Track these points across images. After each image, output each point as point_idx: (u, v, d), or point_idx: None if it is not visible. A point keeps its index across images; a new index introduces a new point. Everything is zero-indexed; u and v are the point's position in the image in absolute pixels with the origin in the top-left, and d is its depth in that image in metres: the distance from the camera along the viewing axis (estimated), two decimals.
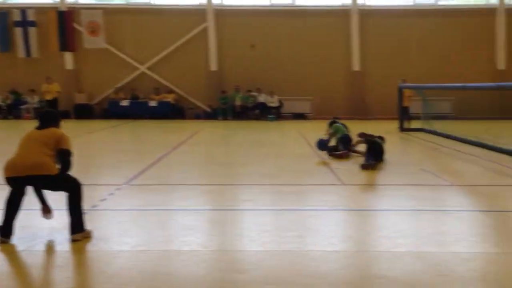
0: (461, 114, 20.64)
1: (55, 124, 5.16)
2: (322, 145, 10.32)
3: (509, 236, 5.25)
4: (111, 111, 21.27)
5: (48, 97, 19.55)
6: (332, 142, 10.53)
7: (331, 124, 11.22)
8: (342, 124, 11.21)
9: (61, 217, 5.12)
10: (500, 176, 8.68)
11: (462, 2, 23.31)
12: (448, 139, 13.52)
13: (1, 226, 4.87)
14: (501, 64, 21.87)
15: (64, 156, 4.93)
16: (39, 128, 5.08)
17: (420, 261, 4.31)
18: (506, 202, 6.59)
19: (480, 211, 6.20)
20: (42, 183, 4.95)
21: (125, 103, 21.42)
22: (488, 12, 22.02)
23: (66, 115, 19.77)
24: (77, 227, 4.88)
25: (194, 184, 7.76)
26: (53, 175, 4.87)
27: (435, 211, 6.19)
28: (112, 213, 5.85)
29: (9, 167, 4.88)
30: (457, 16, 22.05)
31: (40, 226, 5.27)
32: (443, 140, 13.57)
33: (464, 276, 4.02)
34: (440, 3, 22.52)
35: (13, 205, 4.87)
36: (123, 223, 5.48)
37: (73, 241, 4.81)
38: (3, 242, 4.78)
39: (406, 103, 16.96)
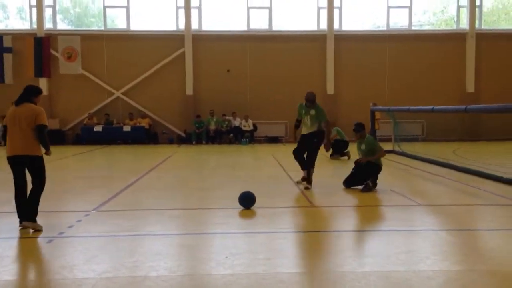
0: (431, 136, 21.14)
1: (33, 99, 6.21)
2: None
3: (470, 254, 5.38)
4: (84, 137, 21.11)
5: None
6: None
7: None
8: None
9: (26, 245, 5.04)
10: (464, 195, 8.90)
11: (433, 27, 24.03)
12: (418, 160, 13.81)
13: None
14: (470, 87, 22.53)
15: (40, 131, 6.07)
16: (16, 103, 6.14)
17: (384, 281, 4.38)
18: (469, 221, 6.75)
19: (444, 230, 6.33)
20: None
21: (98, 128, 21.28)
22: (458, 37, 22.75)
23: None
24: (33, 216, 6.06)
25: (165, 209, 7.73)
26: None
27: (402, 231, 6.30)
28: (79, 240, 5.79)
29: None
30: (429, 40, 22.74)
31: None
32: (413, 161, 13.85)
33: None
34: (413, 28, 23.18)
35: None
36: (89, 250, 5.42)
37: (24, 228, 5.85)
38: None
39: (375, 126, 17.42)
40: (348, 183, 9.31)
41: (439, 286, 4.35)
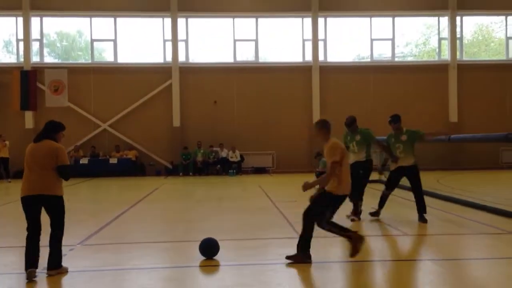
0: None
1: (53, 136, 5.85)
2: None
3: (457, 284, 5.39)
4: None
5: (1, 154, 19.13)
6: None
7: (316, 156, 14.52)
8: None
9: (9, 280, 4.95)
10: (450, 224, 8.95)
11: (415, 58, 24.56)
12: (403, 190, 13.87)
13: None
14: (453, 117, 22.91)
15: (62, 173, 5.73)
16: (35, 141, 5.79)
17: None
18: (455, 250, 6.78)
19: (429, 260, 6.35)
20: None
21: (84, 161, 21.15)
22: (440, 68, 23.27)
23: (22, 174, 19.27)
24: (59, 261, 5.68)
25: (151, 242, 7.67)
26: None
27: (389, 261, 6.31)
28: (63, 275, 5.69)
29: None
30: (412, 71, 23.21)
31: None
32: (398, 191, 13.88)
33: None
34: (396, 59, 23.67)
35: None
36: (76, 285, 5.34)
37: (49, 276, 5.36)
38: None
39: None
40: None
41: None
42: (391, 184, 9.18)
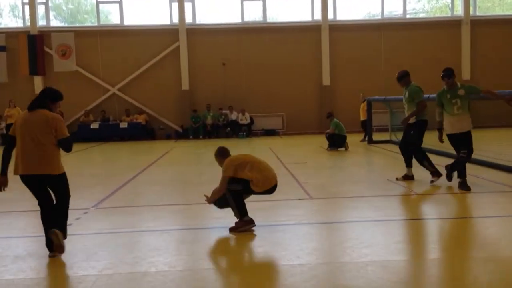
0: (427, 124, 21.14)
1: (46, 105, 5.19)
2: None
3: (467, 241, 5.42)
4: (80, 135, 21.01)
5: (10, 121, 19.17)
6: None
7: (329, 116, 15.06)
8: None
9: (24, 244, 5.06)
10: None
11: (427, 15, 23.99)
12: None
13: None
14: (466, 74, 22.50)
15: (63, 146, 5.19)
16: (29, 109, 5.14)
17: (383, 270, 4.41)
18: (465, 209, 6.78)
19: (440, 218, 6.37)
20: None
21: (95, 125, 21.25)
22: (453, 24, 22.73)
23: None
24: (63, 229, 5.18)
25: (164, 205, 7.76)
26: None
27: (400, 220, 6.34)
28: (78, 238, 5.79)
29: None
30: (424, 28, 22.72)
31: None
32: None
33: (422, 282, 4.13)
34: (407, 16, 23.14)
35: None
36: (89, 248, 5.44)
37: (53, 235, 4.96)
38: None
39: (363, 117, 17.41)
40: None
41: (437, 273, 4.38)
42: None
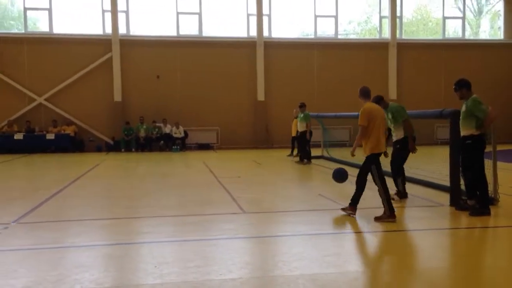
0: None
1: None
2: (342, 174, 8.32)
3: (395, 254, 5.61)
4: (3, 145, 19.92)
5: None
6: None
7: (301, 106, 15.41)
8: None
9: None
10: None
11: (358, 36, 24.98)
12: (346, 165, 14.22)
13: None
14: (392, 94, 23.55)
15: None
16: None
17: (311, 283, 4.46)
18: (392, 223, 7.01)
19: (369, 232, 6.56)
20: None
21: (19, 136, 20.20)
22: (381, 46, 23.79)
23: None
24: None
25: (90, 219, 7.45)
26: None
27: (330, 234, 6.46)
28: None
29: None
30: (354, 49, 23.61)
31: None
32: (341, 166, 14.23)
33: None
34: (339, 37, 23.96)
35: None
36: (7, 265, 5.10)
37: None
38: None
39: (294, 133, 17.67)
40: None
41: (365, 285, 4.49)
42: None
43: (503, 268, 5.12)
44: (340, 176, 8.11)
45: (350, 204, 7.30)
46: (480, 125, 7.27)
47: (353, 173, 12.33)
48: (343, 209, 7.43)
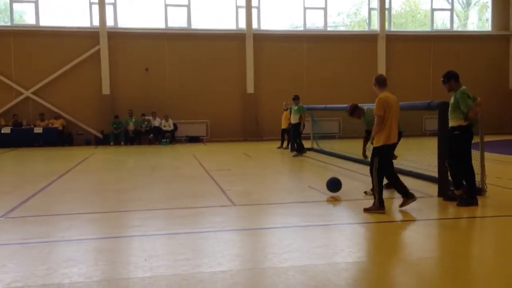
0: (347, 133, 21.96)
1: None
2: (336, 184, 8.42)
3: (381, 246, 5.66)
4: None
5: None
6: None
7: (295, 99, 15.40)
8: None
9: None
10: None
11: (347, 28, 24.98)
12: (335, 157, 14.31)
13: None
14: None
15: None
16: None
17: (301, 275, 4.48)
18: (382, 214, 7.06)
19: (358, 223, 6.60)
20: None
21: (6, 130, 20.00)
22: (370, 38, 23.82)
23: None
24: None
25: (79, 213, 7.42)
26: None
27: (320, 226, 6.49)
28: None
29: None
30: (343, 41, 23.62)
31: None
32: (331, 158, 14.33)
33: (339, 285, 4.25)
34: (328, 29, 23.95)
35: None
36: None
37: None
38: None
39: (284, 125, 17.67)
40: None
41: (354, 277, 4.53)
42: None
43: (490, 257, 5.19)
44: (335, 185, 8.35)
45: (402, 196, 7.20)
46: (466, 117, 7.34)
47: (342, 164, 12.40)
48: (401, 205, 7.19)
